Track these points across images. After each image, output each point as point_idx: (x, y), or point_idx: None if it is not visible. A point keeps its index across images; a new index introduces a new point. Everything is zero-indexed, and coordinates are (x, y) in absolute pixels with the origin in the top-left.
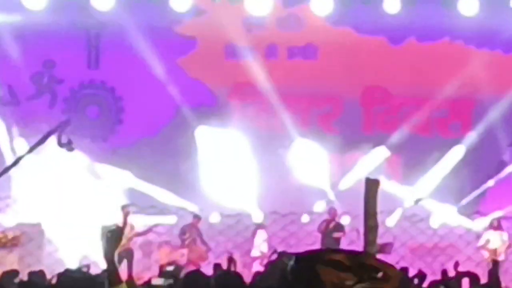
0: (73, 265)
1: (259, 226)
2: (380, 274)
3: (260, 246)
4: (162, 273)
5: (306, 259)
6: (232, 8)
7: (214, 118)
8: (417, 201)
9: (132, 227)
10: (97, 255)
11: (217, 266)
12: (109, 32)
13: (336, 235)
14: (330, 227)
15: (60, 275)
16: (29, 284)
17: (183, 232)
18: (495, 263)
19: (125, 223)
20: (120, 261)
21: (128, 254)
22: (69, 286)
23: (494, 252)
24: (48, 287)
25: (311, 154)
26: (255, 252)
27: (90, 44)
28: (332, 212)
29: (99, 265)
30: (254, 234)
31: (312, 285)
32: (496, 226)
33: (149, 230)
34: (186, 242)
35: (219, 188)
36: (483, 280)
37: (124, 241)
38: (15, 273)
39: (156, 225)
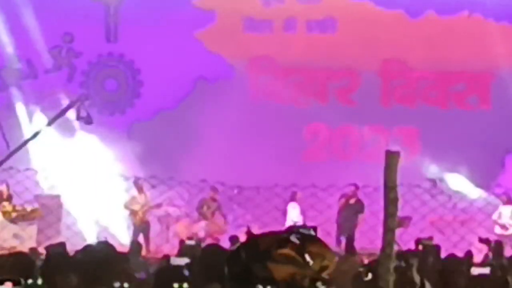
0: (91, 237)
1: (292, 198)
2: (324, 262)
3: (293, 217)
4: (182, 248)
5: (256, 256)
6: None
7: (232, 91)
8: (432, 181)
9: (147, 200)
10: (115, 228)
11: (233, 238)
12: (127, 5)
13: (358, 218)
14: (350, 203)
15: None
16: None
17: (201, 205)
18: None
19: (138, 196)
20: (137, 234)
21: (145, 228)
22: (93, 260)
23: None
24: (72, 260)
25: (327, 126)
26: (288, 223)
27: (109, 18)
28: (353, 189)
29: (117, 238)
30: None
31: (266, 283)
32: (506, 200)
33: (163, 203)
34: (205, 215)
35: (238, 160)
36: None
37: (140, 213)
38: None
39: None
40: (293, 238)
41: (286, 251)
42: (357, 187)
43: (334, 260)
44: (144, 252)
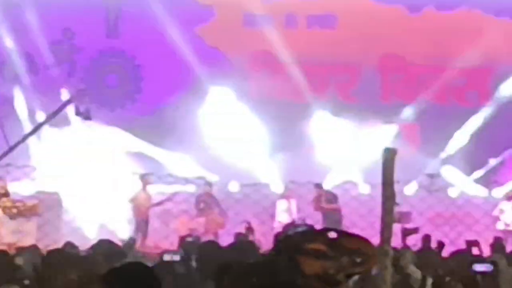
0: (90, 234)
1: (281, 196)
2: (359, 258)
3: (280, 215)
4: (181, 245)
5: (285, 249)
6: None
7: (232, 86)
8: (429, 176)
9: (150, 197)
10: (114, 224)
11: (238, 235)
12: (128, 1)
13: (329, 206)
14: (322, 200)
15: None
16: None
17: (198, 201)
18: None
19: (143, 192)
20: (138, 230)
21: (145, 223)
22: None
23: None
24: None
25: (329, 123)
26: (276, 222)
27: (110, 13)
28: (318, 187)
29: (116, 234)
30: (275, 204)
31: (297, 277)
32: (510, 196)
33: (167, 200)
34: (203, 211)
35: (238, 157)
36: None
37: (144, 209)
38: None
39: (174, 194)
40: (329, 233)
41: (318, 245)
42: (319, 186)
43: (374, 255)
44: (142, 248)
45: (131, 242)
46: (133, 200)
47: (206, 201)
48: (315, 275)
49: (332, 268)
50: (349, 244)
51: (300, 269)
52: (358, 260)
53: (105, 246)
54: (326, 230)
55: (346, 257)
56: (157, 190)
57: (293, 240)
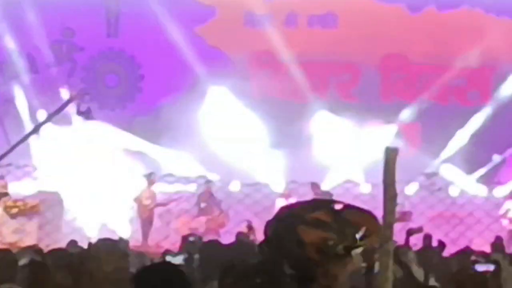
0: (92, 233)
1: (280, 195)
2: (361, 232)
3: None
4: (183, 246)
5: (286, 219)
6: None
7: (233, 86)
8: (430, 175)
9: (154, 196)
10: (115, 224)
11: (239, 234)
12: (128, 0)
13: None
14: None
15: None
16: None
17: (199, 200)
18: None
19: (148, 191)
20: (142, 229)
21: (149, 223)
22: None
23: None
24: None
25: (330, 122)
26: None
27: (110, 13)
28: (315, 187)
29: (116, 233)
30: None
31: (293, 246)
32: None
33: (171, 201)
34: (204, 211)
35: (239, 156)
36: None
37: (148, 209)
38: None
39: (177, 193)
40: (333, 205)
41: (320, 215)
42: (316, 185)
43: (377, 231)
44: (143, 247)
45: (123, 243)
46: (137, 199)
47: (207, 201)
48: (313, 244)
49: (331, 240)
50: (353, 218)
51: (301, 238)
52: (360, 234)
53: (107, 246)
54: (332, 201)
55: (348, 230)
56: (158, 190)
57: (296, 210)
